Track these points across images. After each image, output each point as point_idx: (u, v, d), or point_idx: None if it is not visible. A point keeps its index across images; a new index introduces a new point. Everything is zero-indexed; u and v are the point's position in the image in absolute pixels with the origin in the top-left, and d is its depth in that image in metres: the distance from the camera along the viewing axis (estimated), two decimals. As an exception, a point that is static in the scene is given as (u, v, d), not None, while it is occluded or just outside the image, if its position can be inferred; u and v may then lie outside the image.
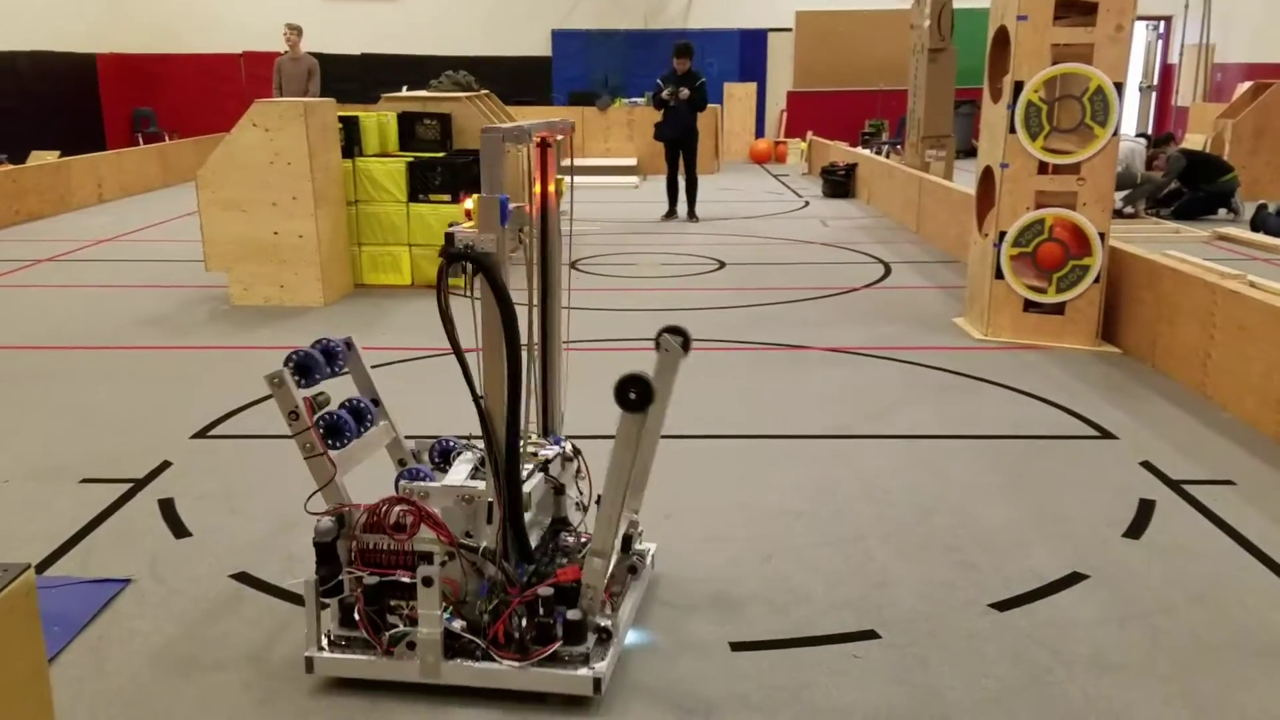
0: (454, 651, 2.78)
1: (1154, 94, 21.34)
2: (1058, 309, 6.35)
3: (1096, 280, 6.21)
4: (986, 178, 6.58)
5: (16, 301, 7.76)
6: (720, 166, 17.83)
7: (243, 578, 3.46)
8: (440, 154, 8.40)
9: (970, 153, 15.68)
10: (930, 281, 8.40)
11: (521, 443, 2.89)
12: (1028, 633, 3.12)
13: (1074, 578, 3.45)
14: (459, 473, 2.98)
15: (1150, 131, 18.69)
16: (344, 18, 19.61)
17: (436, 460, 3.25)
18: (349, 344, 3.19)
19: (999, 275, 6.39)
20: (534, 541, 2.95)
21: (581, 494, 3.30)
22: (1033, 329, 6.42)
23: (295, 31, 12.95)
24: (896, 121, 18.10)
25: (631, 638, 3.06)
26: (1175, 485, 4.22)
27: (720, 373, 5.81)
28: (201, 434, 4.84)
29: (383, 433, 3.21)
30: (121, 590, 3.37)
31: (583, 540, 3.10)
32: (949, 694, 2.82)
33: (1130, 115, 20.24)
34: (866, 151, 15.59)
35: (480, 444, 3.09)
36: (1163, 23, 20.99)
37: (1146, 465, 4.43)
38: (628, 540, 3.11)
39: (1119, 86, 5.99)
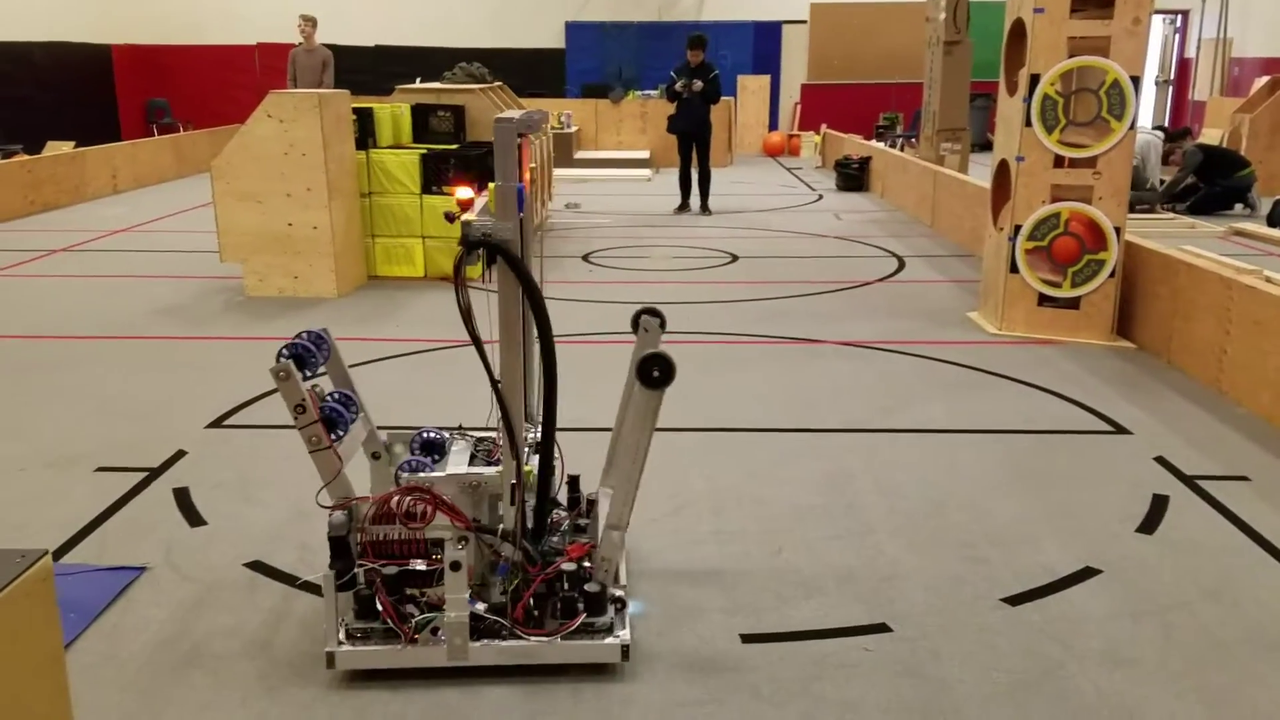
0: (478, 633, 2.83)
1: (1171, 88, 21.22)
2: (1073, 304, 6.33)
3: (1112, 275, 6.19)
4: (1002, 171, 6.55)
5: (32, 291, 7.81)
6: (733, 159, 17.80)
7: (257, 566, 3.48)
8: (454, 146, 8.41)
9: (985, 146, 15.62)
10: (944, 276, 8.37)
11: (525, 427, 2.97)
12: (1039, 627, 3.12)
13: (1086, 572, 3.45)
14: (459, 461, 3.06)
15: (1167, 125, 18.57)
16: (358, 9, 19.64)
17: (418, 451, 3.26)
18: (326, 333, 3.18)
19: (1014, 269, 6.37)
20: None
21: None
22: (1047, 324, 6.40)
23: (310, 23, 12.97)
24: (911, 115, 18.04)
25: (632, 607, 3.12)
26: (1189, 481, 4.21)
27: (732, 366, 5.81)
28: (216, 424, 4.87)
29: (361, 425, 3.23)
30: (136, 578, 3.39)
31: (567, 515, 3.21)
32: (959, 687, 2.82)
33: (1147, 109, 20.12)
34: (881, 145, 15.55)
35: (470, 434, 3.21)
36: (1180, 16, 20.87)
37: (1160, 460, 4.42)
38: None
39: (1136, 80, 5.96)
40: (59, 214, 11.89)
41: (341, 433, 3.00)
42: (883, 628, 3.12)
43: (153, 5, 19.62)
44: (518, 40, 20.02)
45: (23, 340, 6.36)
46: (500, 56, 17.29)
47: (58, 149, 13.58)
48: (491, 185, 2.78)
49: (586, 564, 2.99)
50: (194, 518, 3.86)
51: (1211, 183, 11.40)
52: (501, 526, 2.87)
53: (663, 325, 2.99)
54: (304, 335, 3.07)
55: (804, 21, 20.50)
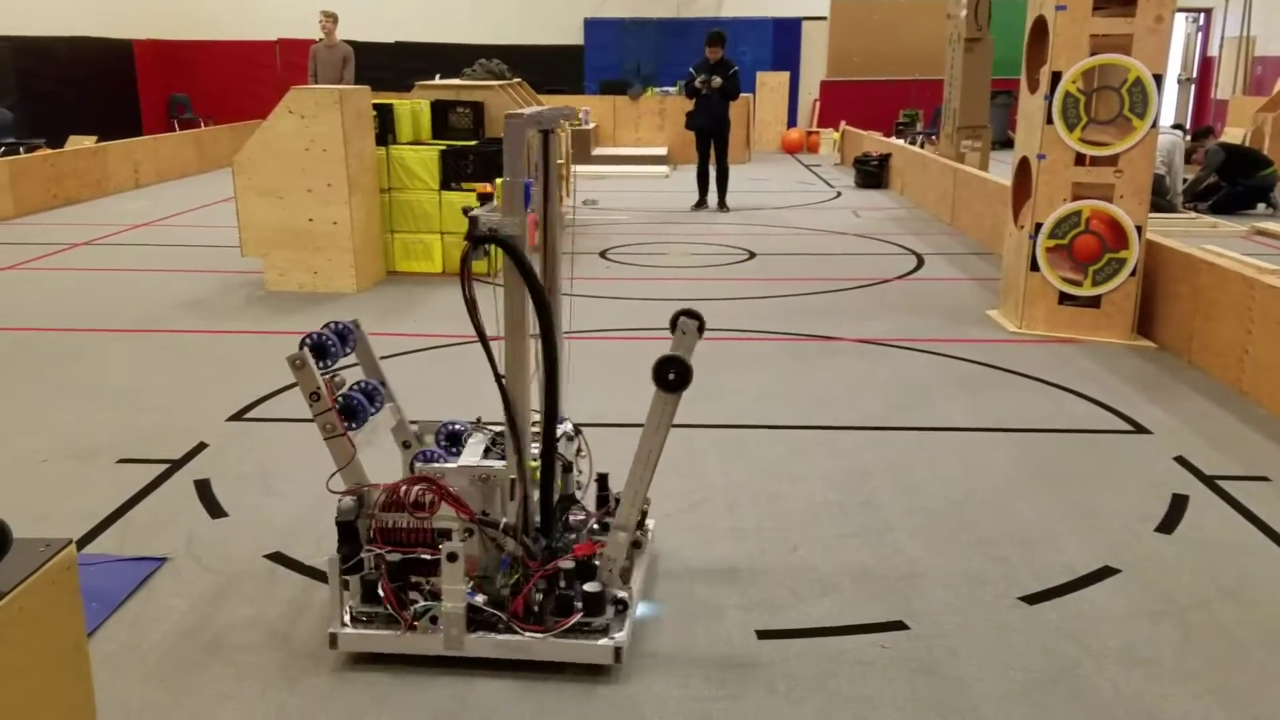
0: (476, 625, 2.84)
1: (1193, 86, 21.06)
2: (1093, 302, 6.30)
3: (1133, 274, 6.15)
4: (1023, 169, 6.53)
5: (54, 284, 7.87)
6: (751, 156, 17.77)
7: (277, 558, 3.51)
8: (473, 142, 8.43)
9: (1006, 144, 15.54)
10: (964, 273, 8.34)
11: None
12: (1057, 626, 3.11)
13: (1105, 572, 3.44)
14: (473, 453, 3.09)
15: (1188, 124, 18.44)
16: (379, 6, 19.69)
17: (443, 443, 3.32)
18: (356, 325, 3.24)
19: (1034, 268, 6.34)
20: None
21: (581, 472, 3.37)
22: (1068, 322, 6.37)
23: (331, 19, 13.01)
24: (931, 112, 17.96)
25: (641, 609, 3.13)
26: (1209, 481, 4.18)
27: (750, 363, 5.81)
28: (237, 416, 4.90)
29: (389, 415, 3.27)
30: (158, 569, 3.42)
31: (583, 517, 3.19)
32: (977, 686, 2.82)
33: (1169, 107, 19.99)
34: (900, 142, 15.49)
35: (490, 427, 3.21)
36: (1203, 15, 20.71)
37: (1180, 460, 4.40)
38: (641, 517, 3.15)
39: (1158, 78, 5.93)
40: (81, 208, 11.99)
41: (360, 422, 3.03)
42: (899, 625, 3.11)
43: (175, 1, 19.73)
44: (537, 37, 20.04)
45: (45, 333, 6.41)
46: (519, 53, 17.31)
47: (80, 143, 13.68)
48: (498, 180, 2.80)
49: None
50: (215, 509, 3.89)
51: (1234, 182, 11.32)
52: (504, 520, 2.88)
53: (701, 329, 2.95)
54: (330, 326, 3.11)
55: (824, 18, 20.45)
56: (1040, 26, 6.29)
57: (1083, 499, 4.01)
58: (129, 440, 4.57)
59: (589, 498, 3.40)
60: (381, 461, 3.40)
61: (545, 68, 18.61)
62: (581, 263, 8.62)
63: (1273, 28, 18.58)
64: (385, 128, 8.02)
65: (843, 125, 18.07)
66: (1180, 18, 19.88)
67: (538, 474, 3.00)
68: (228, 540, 3.63)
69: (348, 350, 3.16)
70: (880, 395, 5.28)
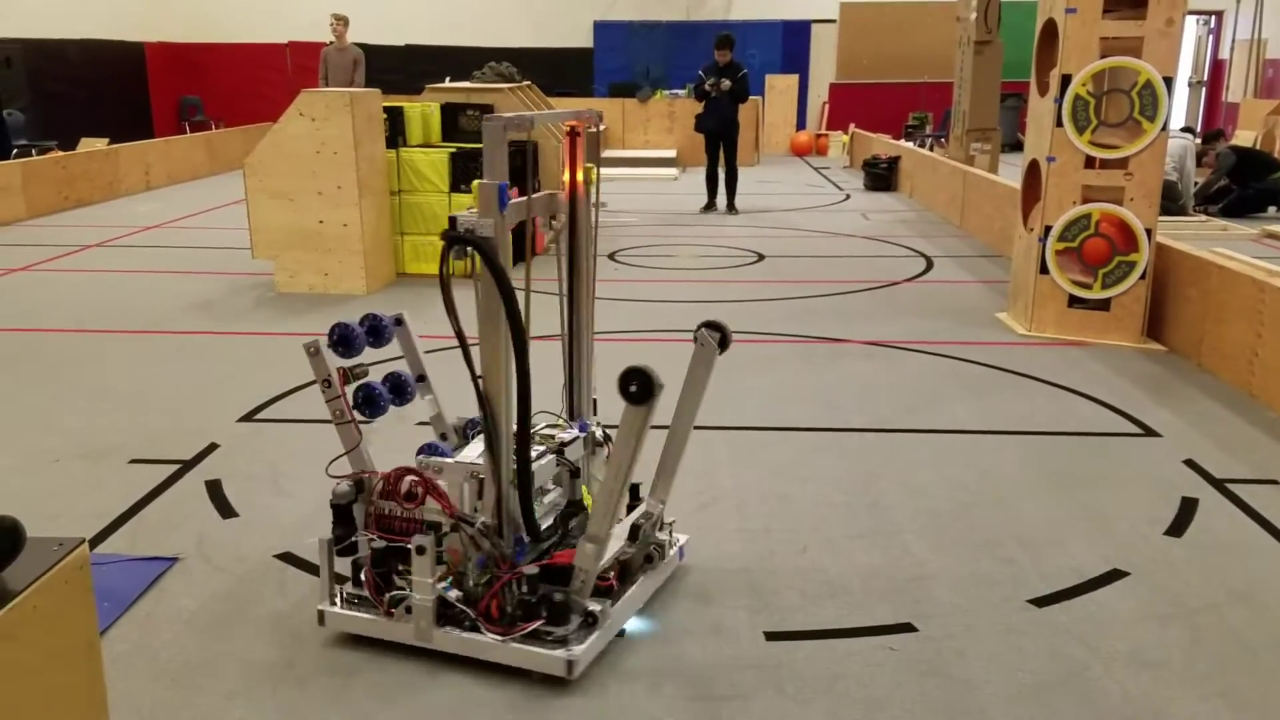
0: (447, 619, 2.89)
1: (1204, 89, 21.00)
2: (1103, 305, 6.29)
3: (1143, 277, 6.14)
4: (1032, 171, 6.52)
5: (66, 286, 7.91)
6: (760, 159, 17.78)
7: (287, 558, 3.52)
8: (482, 145, 8.44)
9: (1016, 146, 15.52)
10: (973, 276, 8.33)
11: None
12: (1066, 628, 3.11)
13: (1114, 575, 3.43)
14: (473, 450, 3.10)
15: (1199, 127, 18.39)
16: (389, 9, 19.75)
17: (468, 436, 3.34)
18: (399, 320, 3.28)
19: (1044, 270, 6.33)
20: (547, 522, 3.05)
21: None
22: (1077, 325, 6.36)
23: (342, 22, 13.05)
24: (941, 114, 17.95)
25: (635, 625, 3.08)
26: (1219, 484, 4.18)
27: (759, 365, 5.81)
28: (248, 417, 4.92)
29: (429, 406, 3.32)
30: (169, 568, 3.44)
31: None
32: (985, 688, 2.82)
33: (1179, 110, 19.92)
34: (910, 144, 15.48)
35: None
36: (1214, 17, 20.65)
37: (1190, 464, 4.39)
38: (637, 529, 3.10)
39: (1168, 81, 5.92)
40: (92, 210, 12.04)
41: (378, 411, 3.13)
42: (908, 627, 3.12)
43: (186, 3, 19.82)
44: (546, 40, 20.07)
45: (57, 334, 6.45)
46: (529, 56, 17.36)
47: (91, 145, 13.74)
48: (475, 182, 2.83)
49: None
50: (226, 509, 3.91)
51: (1244, 185, 11.29)
52: (480, 519, 2.90)
53: (724, 343, 2.94)
54: (369, 319, 3.16)
55: (833, 21, 20.44)
56: (1050, 29, 6.29)
57: (1092, 502, 4.01)
58: (140, 441, 4.60)
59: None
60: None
61: (555, 70, 18.64)
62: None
63: (1284, 30, 18.52)
64: (395, 130, 8.05)
65: (852, 128, 18.06)
66: (1191, 20, 19.82)
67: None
68: (238, 540, 3.65)
69: (380, 343, 3.18)
70: (889, 397, 5.28)
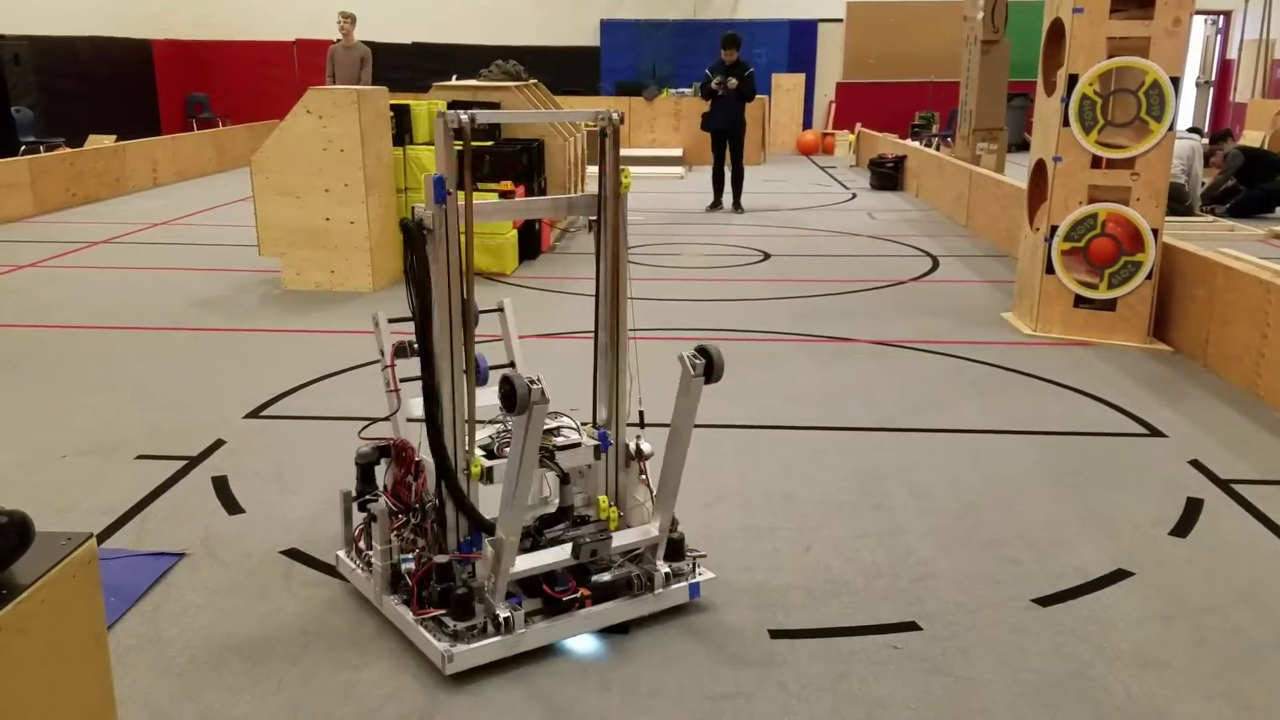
0: (398, 588, 3.04)
1: (1211, 89, 20.95)
2: (1109, 305, 6.29)
3: (1149, 277, 6.14)
4: (1039, 171, 6.52)
5: (74, 282, 7.94)
6: (766, 158, 17.77)
7: (293, 554, 3.54)
8: (489, 143, 8.46)
9: (1023, 146, 15.49)
10: (979, 276, 8.33)
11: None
12: (1070, 628, 3.11)
13: (1119, 575, 3.43)
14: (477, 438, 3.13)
15: (1206, 127, 18.35)
16: (397, 6, 19.77)
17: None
18: (500, 308, 3.46)
19: (1050, 270, 6.33)
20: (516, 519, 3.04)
21: (640, 500, 3.23)
22: (1083, 325, 6.35)
23: (349, 20, 13.08)
24: (947, 114, 17.92)
25: (579, 643, 3.00)
26: (1224, 484, 4.17)
27: (764, 364, 5.82)
28: (254, 414, 4.94)
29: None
30: (176, 564, 3.46)
31: (563, 528, 3.11)
32: (989, 687, 2.82)
33: (1186, 110, 19.89)
34: (916, 144, 15.47)
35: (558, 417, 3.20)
36: (1222, 17, 20.60)
37: (1195, 464, 4.39)
38: (578, 547, 2.98)
39: (1175, 81, 5.91)
40: (100, 206, 12.08)
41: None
42: (912, 626, 3.12)
43: (194, 1, 19.85)
44: (553, 38, 20.08)
45: (64, 330, 6.47)
46: (536, 54, 17.35)
47: (99, 142, 13.78)
48: (424, 176, 2.88)
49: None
50: (232, 505, 3.92)
51: (1252, 185, 11.26)
52: (430, 504, 2.99)
53: (708, 371, 2.86)
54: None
55: (840, 20, 20.43)
56: (1057, 29, 6.28)
57: (1096, 502, 4.01)
58: (147, 437, 4.61)
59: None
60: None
61: (561, 69, 18.66)
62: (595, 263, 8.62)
63: (1292, 30, 18.47)
64: (402, 128, 8.07)
65: (858, 127, 18.05)
66: (1199, 20, 19.78)
67: (477, 469, 2.95)
68: (244, 536, 3.67)
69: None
70: (894, 397, 5.28)
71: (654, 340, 6.21)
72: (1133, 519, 3.86)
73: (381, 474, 3.17)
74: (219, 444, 4.53)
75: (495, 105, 8.96)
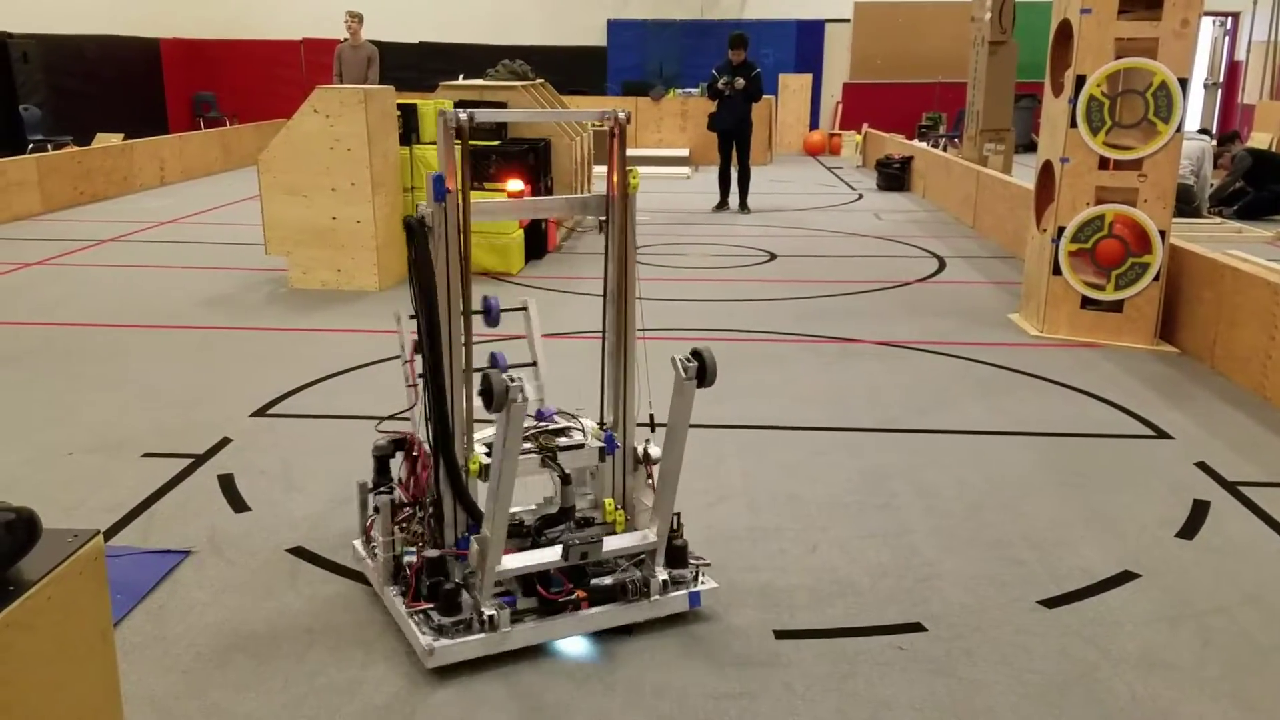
0: (399, 580, 3.07)
1: (1220, 91, 20.89)
2: (1116, 307, 6.27)
3: (1156, 278, 6.12)
4: (1046, 172, 6.51)
5: (81, 280, 7.96)
6: (773, 158, 17.76)
7: (299, 552, 3.54)
8: (495, 142, 8.46)
9: (1030, 147, 15.47)
10: (986, 277, 8.32)
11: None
12: (1076, 630, 3.10)
13: (1125, 576, 3.43)
14: (481, 435, 3.17)
15: (1214, 128, 18.29)
16: (404, 6, 19.78)
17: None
18: (523, 306, 3.52)
19: (1056, 271, 6.32)
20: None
21: (648, 504, 3.20)
22: (1090, 326, 6.34)
23: (356, 19, 13.08)
24: (955, 114, 17.90)
25: (568, 645, 2.99)
26: (1231, 486, 4.16)
27: (769, 364, 5.82)
28: (261, 412, 4.95)
29: (533, 392, 3.33)
30: (181, 561, 3.47)
31: (563, 529, 3.10)
32: (994, 688, 2.82)
33: (1194, 112, 19.83)
34: (923, 144, 15.45)
35: (575, 419, 3.23)
36: (1230, 18, 20.54)
37: (1202, 466, 4.38)
38: (567, 549, 2.96)
39: (1183, 82, 5.90)
40: (107, 204, 12.10)
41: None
42: (917, 627, 3.12)
43: (201, 0, 19.87)
44: (560, 38, 20.08)
45: (71, 328, 6.49)
46: (542, 54, 17.35)
47: (107, 141, 13.81)
48: (426, 174, 2.92)
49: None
50: (238, 503, 3.93)
51: (1260, 187, 11.23)
52: (429, 498, 3.04)
53: (700, 374, 2.83)
54: (484, 300, 3.27)
55: (847, 20, 20.40)
56: (1065, 30, 6.27)
57: (1103, 503, 4.00)
58: (153, 434, 4.62)
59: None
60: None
61: (568, 68, 18.65)
62: (602, 262, 8.62)
63: (1301, 32, 18.41)
64: (409, 127, 8.07)
65: (865, 128, 18.03)
66: (1207, 21, 19.73)
67: (475, 465, 2.97)
68: (250, 534, 3.67)
69: (491, 323, 3.26)
70: (900, 397, 5.28)
71: (659, 340, 6.22)
72: (1139, 521, 3.85)
73: (397, 467, 3.24)
74: (225, 442, 4.54)
75: (502, 105, 8.97)
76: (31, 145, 13.50)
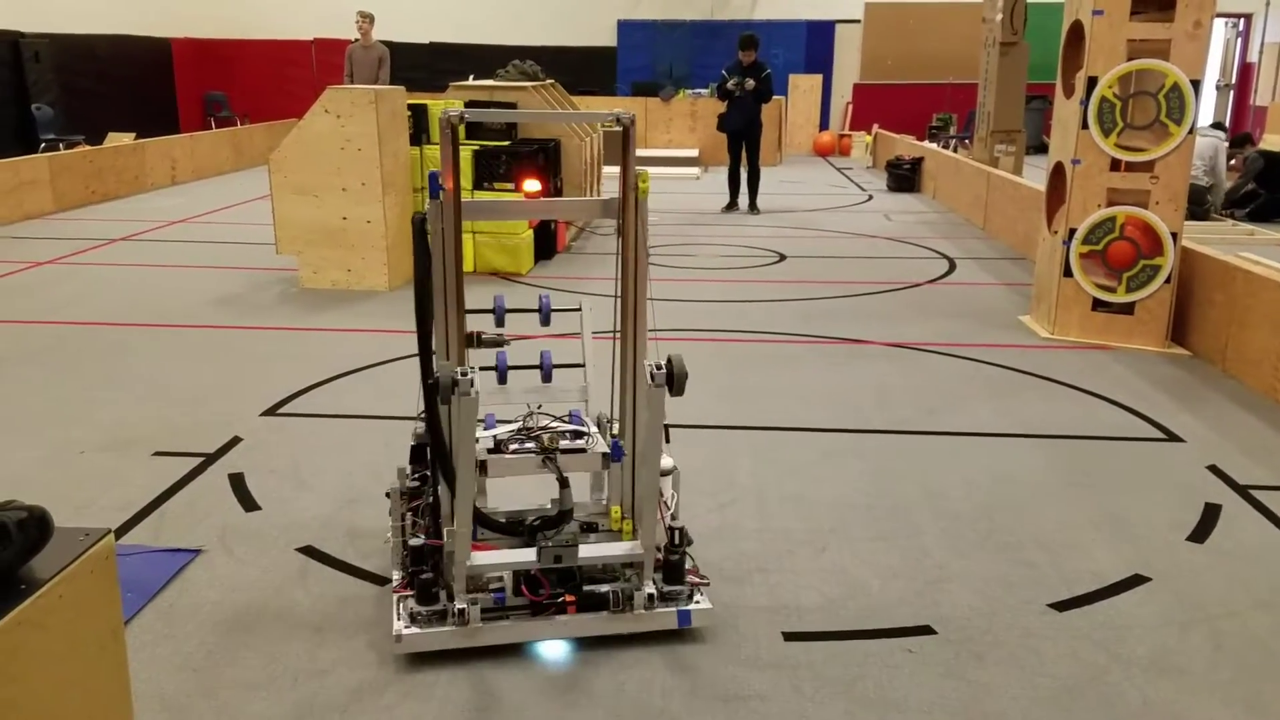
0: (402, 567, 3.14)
1: (1232, 92, 20.81)
2: (1127, 309, 6.25)
3: (1167, 281, 6.10)
4: (1057, 174, 6.49)
5: (92, 279, 7.99)
6: (783, 159, 17.74)
7: (309, 551, 3.55)
8: (505, 143, 8.47)
9: (1041, 148, 15.43)
10: (996, 278, 8.30)
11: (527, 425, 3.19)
12: (1086, 633, 3.09)
13: (1135, 580, 3.42)
14: (492, 431, 3.18)
15: (1227, 125, 18.21)
16: (415, 7, 19.82)
17: (601, 427, 3.31)
18: (579, 307, 3.59)
19: (1067, 273, 6.30)
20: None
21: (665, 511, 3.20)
22: (1101, 329, 6.32)
23: (368, 20, 13.11)
24: (965, 116, 17.85)
25: (548, 648, 2.97)
26: (1242, 490, 4.15)
27: (779, 365, 5.81)
28: (271, 411, 4.96)
29: (579, 394, 3.46)
30: (192, 560, 3.47)
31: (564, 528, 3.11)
32: (1003, 692, 2.81)
33: (1206, 113, 19.74)
34: (933, 145, 15.42)
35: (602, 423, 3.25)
36: (1243, 20, 20.46)
37: (1213, 469, 4.36)
38: (548, 550, 2.97)
39: (1196, 84, 5.87)
40: (119, 204, 12.15)
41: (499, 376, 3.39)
42: (927, 630, 3.11)
43: (213, 0, 19.94)
44: (570, 38, 20.10)
45: (83, 326, 6.51)
46: (553, 54, 17.37)
47: (118, 140, 13.86)
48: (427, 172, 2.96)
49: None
50: (248, 503, 3.94)
51: (1273, 189, 11.18)
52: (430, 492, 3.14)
53: (672, 380, 2.74)
54: (539, 298, 3.41)
55: (858, 21, 20.38)
56: (1076, 31, 6.25)
57: (1113, 506, 3.99)
58: (164, 433, 4.64)
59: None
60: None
61: (578, 69, 18.67)
62: (611, 263, 8.62)
63: (1314, 33, 18.34)
64: (419, 128, 8.08)
65: (875, 128, 18.00)
66: (1219, 23, 19.66)
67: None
68: (260, 533, 3.68)
69: (544, 322, 3.36)
70: (910, 399, 5.27)
71: (668, 341, 6.21)
72: (1150, 524, 3.84)
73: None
74: (235, 441, 4.55)
75: (512, 105, 8.97)
76: (43, 144, 13.56)
